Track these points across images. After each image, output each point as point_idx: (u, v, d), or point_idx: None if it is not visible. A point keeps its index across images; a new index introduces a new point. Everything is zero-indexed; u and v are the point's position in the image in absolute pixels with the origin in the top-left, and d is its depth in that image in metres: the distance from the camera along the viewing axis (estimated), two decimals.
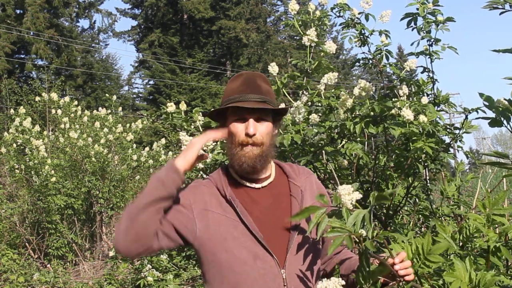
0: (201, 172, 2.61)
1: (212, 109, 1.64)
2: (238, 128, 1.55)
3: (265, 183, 1.61)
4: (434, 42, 2.91)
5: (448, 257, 1.84)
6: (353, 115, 2.53)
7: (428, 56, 2.95)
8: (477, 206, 1.53)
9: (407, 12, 2.90)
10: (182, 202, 1.54)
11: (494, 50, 1.48)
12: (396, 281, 1.37)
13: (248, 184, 1.59)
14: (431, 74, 2.98)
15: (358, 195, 1.31)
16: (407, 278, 1.37)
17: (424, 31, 2.89)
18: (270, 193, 1.60)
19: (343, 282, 1.28)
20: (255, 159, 1.54)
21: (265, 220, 1.53)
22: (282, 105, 2.94)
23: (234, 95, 1.56)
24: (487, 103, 1.33)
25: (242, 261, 1.48)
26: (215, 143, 2.75)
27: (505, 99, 1.34)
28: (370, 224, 1.28)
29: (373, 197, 1.35)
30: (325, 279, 1.28)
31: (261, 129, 1.55)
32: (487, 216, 1.48)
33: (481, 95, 1.36)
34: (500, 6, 1.51)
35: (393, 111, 2.56)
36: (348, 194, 1.30)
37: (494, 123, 1.32)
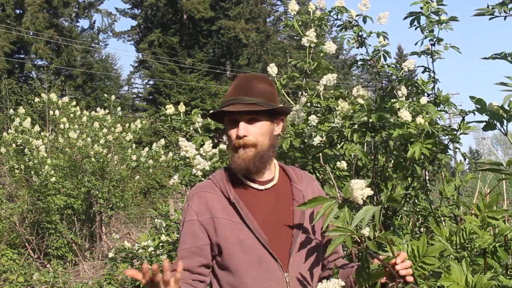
0: (200, 177, 2.60)
1: (209, 114, 1.65)
2: (231, 132, 1.57)
3: (268, 185, 1.61)
4: (436, 42, 2.91)
5: (447, 258, 1.85)
6: (351, 122, 2.53)
7: (429, 56, 2.94)
8: (473, 208, 1.54)
9: (410, 11, 2.90)
10: (192, 222, 1.55)
11: (484, 58, 1.49)
12: (396, 282, 1.37)
13: (252, 185, 1.59)
14: (432, 74, 2.98)
15: (369, 191, 1.28)
16: (407, 278, 1.37)
17: (427, 31, 2.89)
18: (273, 196, 1.60)
19: (343, 283, 1.28)
20: (249, 161, 1.54)
21: (268, 223, 1.54)
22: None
23: (227, 99, 1.59)
24: (478, 106, 1.34)
25: (248, 264, 1.49)
26: (214, 149, 2.76)
27: (498, 105, 1.36)
28: (379, 221, 1.25)
29: (385, 196, 1.30)
30: (325, 280, 1.28)
31: (253, 130, 1.55)
32: (482, 218, 1.49)
33: (472, 98, 1.37)
34: (488, 13, 1.54)
35: (392, 120, 2.55)
36: (361, 189, 1.26)
37: (487, 126, 1.33)
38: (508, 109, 1.44)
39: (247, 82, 1.60)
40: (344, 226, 1.26)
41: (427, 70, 2.97)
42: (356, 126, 2.44)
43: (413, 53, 2.99)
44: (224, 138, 2.76)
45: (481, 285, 1.29)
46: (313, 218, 1.38)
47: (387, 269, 1.37)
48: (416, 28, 2.91)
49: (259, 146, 1.56)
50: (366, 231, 1.30)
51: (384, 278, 1.40)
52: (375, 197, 2.81)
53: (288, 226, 1.55)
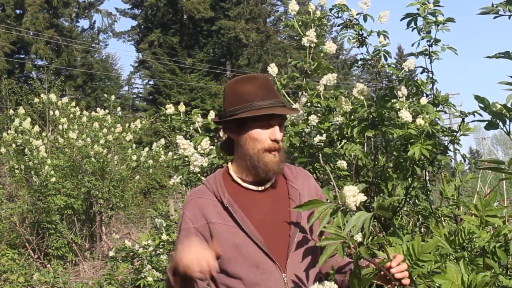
0: (199, 175, 2.60)
1: (236, 116, 1.53)
2: (262, 134, 1.53)
3: (265, 186, 1.60)
4: (434, 43, 2.91)
5: (447, 258, 1.85)
6: (351, 118, 2.53)
7: (427, 57, 2.95)
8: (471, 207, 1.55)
9: (407, 12, 2.90)
10: (188, 230, 1.55)
11: (487, 57, 1.49)
12: (391, 285, 1.36)
13: (250, 186, 1.59)
14: (430, 75, 2.98)
15: (363, 197, 1.29)
16: (403, 281, 1.36)
17: (424, 32, 2.89)
18: (270, 196, 1.60)
19: (336, 287, 1.28)
20: (279, 165, 1.56)
21: (265, 224, 1.54)
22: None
23: (256, 100, 1.52)
24: (482, 105, 1.34)
25: (245, 268, 1.49)
26: (211, 146, 2.75)
27: (501, 104, 1.35)
28: (368, 229, 1.26)
29: (377, 203, 1.32)
30: (317, 283, 1.28)
31: (282, 135, 1.57)
32: (480, 217, 1.49)
33: (476, 97, 1.37)
34: (493, 12, 1.53)
35: (391, 115, 2.55)
36: (353, 195, 1.28)
37: (490, 126, 1.33)
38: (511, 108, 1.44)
39: (269, 84, 1.59)
40: (337, 233, 1.26)
41: (426, 70, 2.97)
42: (355, 122, 2.44)
43: (410, 54, 2.99)
44: (220, 135, 2.76)
45: (476, 283, 1.29)
46: (310, 218, 1.38)
47: (382, 272, 1.37)
48: (413, 30, 2.91)
49: (283, 150, 1.58)
50: (359, 237, 1.30)
51: (379, 281, 1.40)
52: (375, 197, 2.82)
53: (285, 226, 1.55)
